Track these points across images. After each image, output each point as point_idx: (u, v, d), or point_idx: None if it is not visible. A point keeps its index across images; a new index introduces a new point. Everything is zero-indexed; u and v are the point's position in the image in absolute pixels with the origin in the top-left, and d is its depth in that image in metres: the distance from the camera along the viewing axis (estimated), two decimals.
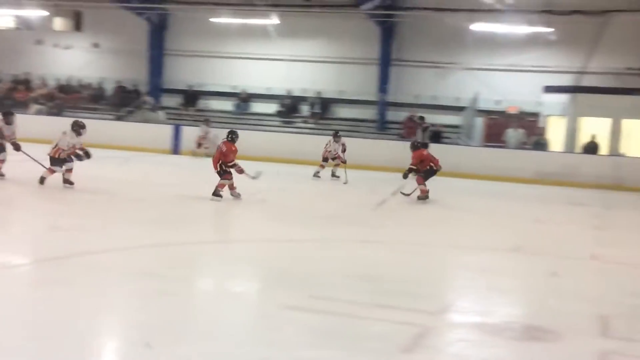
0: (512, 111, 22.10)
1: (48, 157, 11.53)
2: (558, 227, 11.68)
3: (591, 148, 19.46)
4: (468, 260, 8.45)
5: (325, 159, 16.00)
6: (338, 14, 23.69)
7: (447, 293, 6.86)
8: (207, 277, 7.04)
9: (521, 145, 19.93)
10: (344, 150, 15.93)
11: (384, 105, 23.63)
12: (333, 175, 15.96)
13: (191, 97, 25.25)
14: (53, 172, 11.49)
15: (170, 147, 20.69)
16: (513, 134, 19.93)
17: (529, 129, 20.71)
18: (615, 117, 20.24)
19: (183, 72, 25.73)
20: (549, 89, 21.00)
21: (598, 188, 17.05)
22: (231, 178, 11.30)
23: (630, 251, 9.40)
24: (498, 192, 16.26)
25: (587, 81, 21.46)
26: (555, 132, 21.19)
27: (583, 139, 20.24)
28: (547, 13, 21.23)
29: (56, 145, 11.50)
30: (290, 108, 24.20)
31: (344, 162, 15.75)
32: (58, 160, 11.47)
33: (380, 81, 23.62)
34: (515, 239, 9.90)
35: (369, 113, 23.68)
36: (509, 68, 22.34)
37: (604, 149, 19.87)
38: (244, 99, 24.73)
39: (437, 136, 20.87)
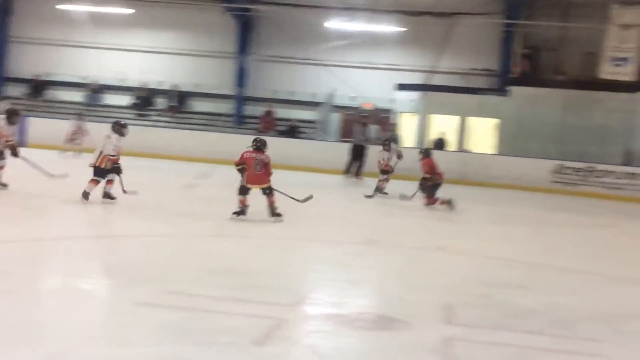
0: (367, 107, 22.70)
1: (92, 168, 10.36)
2: (409, 220, 12.13)
3: (440, 144, 20.31)
4: (323, 253, 8.59)
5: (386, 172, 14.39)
6: (194, 6, 23.38)
7: (302, 286, 6.92)
8: (55, 275, 6.72)
9: (375, 141, 20.42)
10: (399, 157, 14.50)
11: (241, 100, 23.57)
12: (380, 191, 14.12)
13: (38, 87, 24.04)
14: (97, 182, 10.34)
15: (16, 140, 19.54)
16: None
17: (382, 124, 21.31)
18: (462, 114, 21.27)
19: (29, 60, 24.38)
20: (401, 87, 21.76)
21: (446, 183, 17.75)
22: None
23: (477, 242, 9.90)
24: (353, 186, 16.62)
25: (437, 80, 22.41)
26: (407, 129, 21.94)
27: (433, 135, 21.09)
28: (400, 13, 21.98)
29: (101, 153, 10.35)
30: (145, 100, 23.61)
31: (391, 170, 14.46)
32: (102, 170, 10.33)
33: (238, 75, 23.54)
34: (369, 232, 10.18)
35: (226, 107, 23.54)
36: (363, 65, 22.93)
37: (451, 145, 20.78)
38: (95, 90, 23.85)
39: (293, 131, 21.10)
